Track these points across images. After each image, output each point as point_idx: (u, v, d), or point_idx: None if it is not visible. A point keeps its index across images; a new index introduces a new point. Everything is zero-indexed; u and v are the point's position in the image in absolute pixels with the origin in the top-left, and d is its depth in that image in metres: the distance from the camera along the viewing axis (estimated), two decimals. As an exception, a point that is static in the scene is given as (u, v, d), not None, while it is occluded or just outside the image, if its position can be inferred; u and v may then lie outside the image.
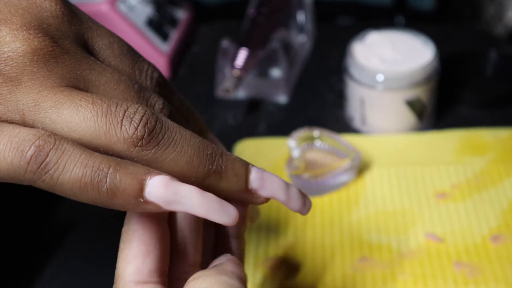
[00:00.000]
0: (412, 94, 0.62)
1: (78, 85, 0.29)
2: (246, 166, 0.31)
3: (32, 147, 0.26)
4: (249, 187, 0.31)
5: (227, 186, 0.31)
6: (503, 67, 0.72)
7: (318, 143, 0.61)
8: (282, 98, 0.72)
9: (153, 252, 0.30)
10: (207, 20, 0.87)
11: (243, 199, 0.32)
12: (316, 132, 0.61)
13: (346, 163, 0.57)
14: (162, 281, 0.31)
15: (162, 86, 0.34)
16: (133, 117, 0.28)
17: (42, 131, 0.27)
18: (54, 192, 0.27)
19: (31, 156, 0.26)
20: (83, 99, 0.28)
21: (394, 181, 0.59)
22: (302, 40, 0.79)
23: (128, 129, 0.28)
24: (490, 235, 0.53)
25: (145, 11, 0.75)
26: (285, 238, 0.54)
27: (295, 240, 0.54)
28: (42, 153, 0.26)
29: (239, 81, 0.67)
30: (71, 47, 0.30)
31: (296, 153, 0.59)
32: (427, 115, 0.65)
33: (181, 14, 0.81)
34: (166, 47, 0.76)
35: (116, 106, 0.28)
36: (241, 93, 0.72)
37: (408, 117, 0.64)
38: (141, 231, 0.30)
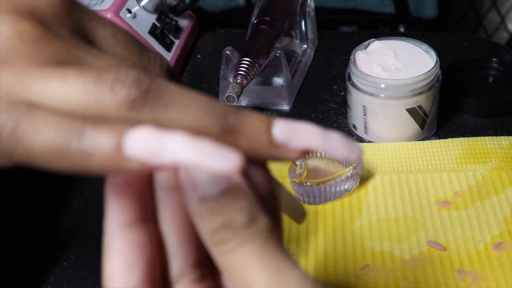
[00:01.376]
0: (414, 102, 0.62)
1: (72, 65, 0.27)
2: (266, 120, 0.27)
3: (4, 116, 0.24)
4: (276, 141, 0.27)
5: (248, 145, 0.26)
6: (505, 75, 0.72)
7: (320, 151, 0.61)
8: (284, 106, 0.72)
9: (135, 266, 0.27)
10: (210, 29, 0.88)
11: (272, 157, 0.27)
12: (318, 140, 0.61)
13: (348, 171, 0.58)
14: None
15: (172, 75, 0.31)
16: (124, 79, 0.25)
17: (15, 100, 0.25)
18: (36, 166, 0.25)
19: (3, 126, 0.24)
20: (71, 70, 0.26)
21: (397, 188, 0.59)
22: (304, 48, 0.79)
23: (119, 92, 0.25)
24: (492, 242, 0.53)
25: (149, 19, 0.76)
26: (287, 246, 0.54)
27: (298, 248, 0.54)
28: (11, 121, 0.24)
29: (242, 89, 0.67)
30: (66, 34, 0.28)
31: (298, 161, 0.59)
32: (429, 123, 0.65)
33: (184, 23, 0.82)
34: (169, 55, 0.76)
35: (106, 72, 0.25)
36: (244, 101, 0.73)
37: (410, 125, 0.64)
38: (119, 243, 0.27)
